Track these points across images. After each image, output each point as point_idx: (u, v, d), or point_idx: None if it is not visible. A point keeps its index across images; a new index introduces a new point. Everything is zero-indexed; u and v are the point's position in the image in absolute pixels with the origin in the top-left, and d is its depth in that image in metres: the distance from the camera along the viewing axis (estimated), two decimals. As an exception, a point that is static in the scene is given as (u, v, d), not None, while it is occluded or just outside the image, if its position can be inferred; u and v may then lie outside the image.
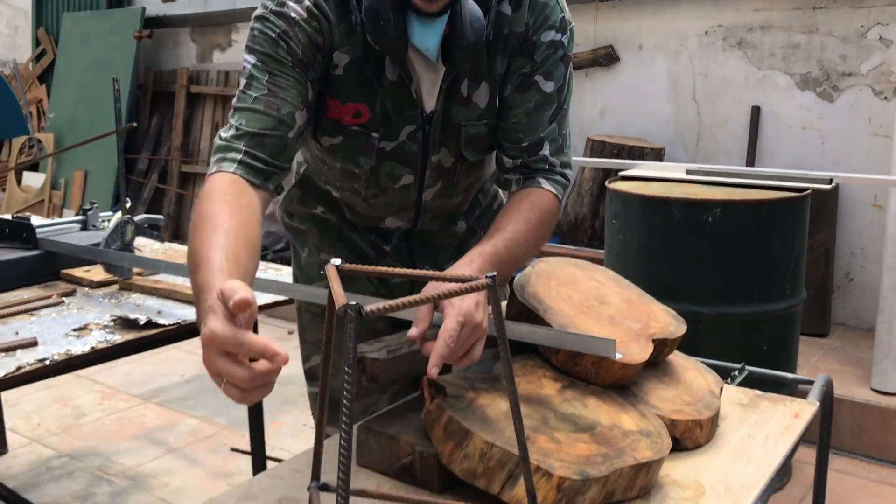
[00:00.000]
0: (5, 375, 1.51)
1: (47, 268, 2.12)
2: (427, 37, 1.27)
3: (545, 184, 1.42)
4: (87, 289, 2.06)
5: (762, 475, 1.37)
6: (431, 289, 1.22)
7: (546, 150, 1.42)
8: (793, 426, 1.56)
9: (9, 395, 2.97)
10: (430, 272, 1.01)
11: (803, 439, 2.95)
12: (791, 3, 3.76)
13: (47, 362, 1.57)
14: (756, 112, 3.89)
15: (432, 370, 1.10)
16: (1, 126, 2.22)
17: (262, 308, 1.92)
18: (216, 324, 0.84)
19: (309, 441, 1.61)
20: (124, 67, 5.71)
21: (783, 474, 2.74)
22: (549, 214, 1.41)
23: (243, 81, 1.29)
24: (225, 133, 1.26)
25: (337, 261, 0.86)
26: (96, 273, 2.12)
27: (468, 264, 1.29)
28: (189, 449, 3.09)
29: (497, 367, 1.43)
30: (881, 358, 3.07)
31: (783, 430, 1.55)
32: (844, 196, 3.72)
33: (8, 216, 2.24)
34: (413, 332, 1.07)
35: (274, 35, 1.27)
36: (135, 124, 2.68)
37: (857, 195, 3.70)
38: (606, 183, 2.94)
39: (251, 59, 1.28)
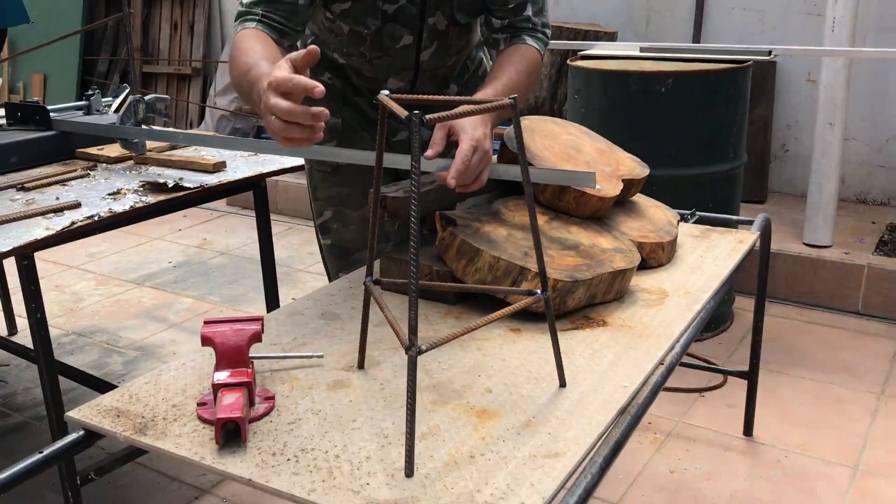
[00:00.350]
0: (63, 229, 1.72)
1: (63, 147, 2.30)
2: None
3: (529, 40, 1.67)
4: (105, 164, 2.25)
5: (713, 282, 1.68)
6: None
7: (529, 11, 1.66)
8: (738, 248, 1.88)
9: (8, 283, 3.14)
10: (459, 97, 1.26)
11: (743, 291, 3.43)
12: None
13: (96, 218, 1.79)
14: (702, -5, 4.12)
15: (451, 181, 1.32)
16: (3, 13, 2.33)
17: (272, 174, 2.14)
18: (278, 72, 1.11)
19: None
20: (76, -34, 5.64)
21: (727, 318, 3.12)
22: (535, 66, 1.66)
23: None
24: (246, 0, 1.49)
25: (386, 91, 1.10)
26: (111, 150, 2.30)
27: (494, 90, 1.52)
28: (188, 323, 3.34)
29: (496, 204, 1.70)
30: (812, 215, 3.43)
31: (730, 251, 1.86)
32: (781, 72, 4.01)
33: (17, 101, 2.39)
34: (429, 153, 1.30)
35: None
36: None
37: (792, 71, 4.00)
38: (568, 61, 3.18)
39: None
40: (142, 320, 3.38)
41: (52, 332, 3.25)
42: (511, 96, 1.08)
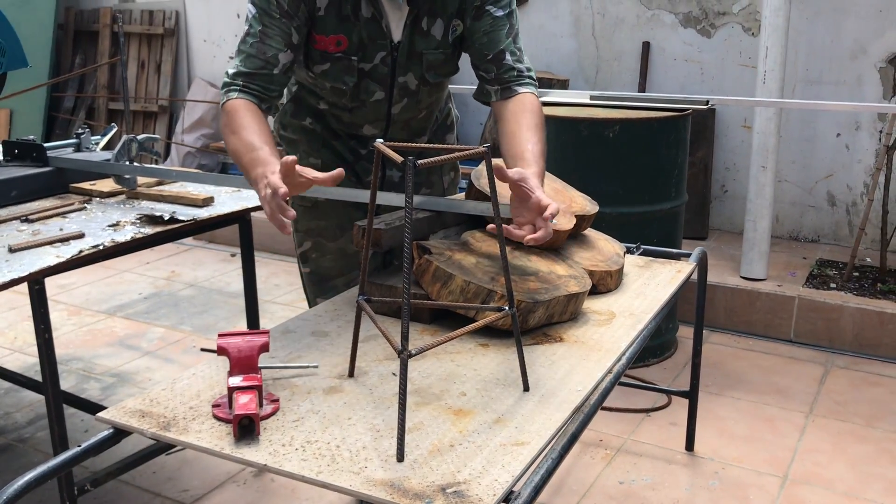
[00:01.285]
0: (72, 257, 1.89)
1: (58, 182, 2.46)
2: None
3: (521, 89, 1.81)
4: (98, 198, 2.42)
5: (655, 305, 1.92)
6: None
7: (509, 60, 1.80)
8: (676, 277, 2.12)
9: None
10: (439, 145, 1.48)
11: (687, 320, 3.70)
12: (675, -49, 4.30)
13: (101, 247, 1.96)
14: (646, 47, 4.44)
15: (529, 240, 1.45)
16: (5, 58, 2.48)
17: (257, 208, 2.33)
18: (274, 178, 1.39)
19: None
20: (45, 7, 5.78)
21: (672, 345, 3.37)
22: (539, 110, 1.79)
23: (246, 28, 1.73)
24: (231, 70, 1.73)
25: (380, 140, 1.32)
26: (103, 185, 2.47)
27: (532, 159, 1.65)
28: (161, 351, 3.48)
29: (464, 235, 1.92)
30: (748, 250, 3.72)
31: (669, 279, 2.11)
32: (720, 119, 4.35)
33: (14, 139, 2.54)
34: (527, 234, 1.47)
35: None
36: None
37: (730, 118, 4.33)
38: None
39: (252, 10, 1.72)
40: (116, 348, 3.50)
41: (28, 360, 3.37)
42: (485, 145, 1.30)
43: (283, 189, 1.35)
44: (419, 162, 1.20)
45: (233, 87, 1.71)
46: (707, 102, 3.31)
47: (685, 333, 3.48)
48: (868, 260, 3.92)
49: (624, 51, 4.52)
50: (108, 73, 5.94)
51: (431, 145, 1.40)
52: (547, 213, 1.43)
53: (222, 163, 5.38)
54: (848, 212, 4.19)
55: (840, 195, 4.19)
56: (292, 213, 1.38)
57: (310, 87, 1.99)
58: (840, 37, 4.02)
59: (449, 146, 1.40)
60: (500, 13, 1.79)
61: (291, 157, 1.39)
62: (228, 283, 4.27)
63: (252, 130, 1.61)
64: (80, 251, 1.91)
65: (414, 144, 1.32)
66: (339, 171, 1.39)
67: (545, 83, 4.36)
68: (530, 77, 1.84)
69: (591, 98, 3.52)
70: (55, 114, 5.93)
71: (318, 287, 2.16)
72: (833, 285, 3.63)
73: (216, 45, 5.80)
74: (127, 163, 2.39)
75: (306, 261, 2.15)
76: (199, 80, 5.75)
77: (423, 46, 1.81)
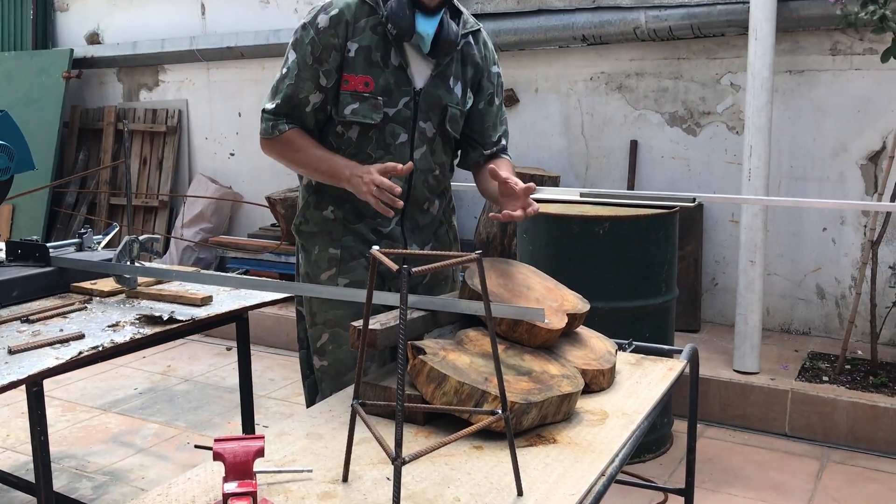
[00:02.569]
0: (71, 358, 1.92)
1: (60, 281, 2.50)
2: (427, 26, 1.96)
3: (505, 155, 2.25)
4: (99, 298, 2.46)
5: (647, 405, 1.94)
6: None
7: (504, 142, 2.24)
8: (668, 375, 2.15)
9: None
10: (434, 252, 1.53)
11: (682, 415, 3.70)
12: (660, 54, 4.48)
13: (100, 348, 1.99)
14: (634, 145, 4.58)
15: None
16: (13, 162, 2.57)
17: (255, 307, 2.37)
18: (374, 171, 1.88)
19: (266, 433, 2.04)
20: (52, 106, 5.95)
21: (667, 440, 3.36)
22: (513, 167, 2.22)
23: (284, 70, 2.03)
24: (270, 106, 2.05)
25: (376, 247, 1.37)
26: (103, 285, 2.51)
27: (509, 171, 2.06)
28: (156, 448, 3.45)
29: (458, 334, 1.95)
30: (740, 343, 3.76)
31: (661, 378, 2.13)
32: (708, 214, 4.45)
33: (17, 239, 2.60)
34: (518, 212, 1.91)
35: (306, 41, 2.00)
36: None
37: (718, 213, 4.43)
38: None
39: (292, 55, 2.03)
40: (109, 445, 3.48)
41: (20, 458, 3.34)
42: (478, 252, 1.35)
43: (397, 189, 1.86)
44: (414, 269, 1.26)
45: (279, 121, 2.04)
46: (694, 200, 3.40)
47: (680, 427, 3.48)
48: (859, 353, 3.95)
49: (613, 148, 4.66)
50: (111, 168, 6.07)
51: (424, 252, 1.45)
52: (530, 188, 1.88)
53: (220, 256, 5.45)
54: (837, 304, 4.24)
55: (829, 288, 4.26)
56: (399, 203, 1.87)
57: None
58: (821, 135, 4.16)
59: (441, 253, 1.45)
60: (499, 101, 2.22)
61: (390, 164, 1.88)
62: (224, 377, 4.27)
63: (315, 146, 2.03)
64: (80, 352, 1.94)
65: (409, 251, 1.37)
66: (410, 164, 1.90)
67: (537, 179, 4.47)
68: (507, 150, 2.28)
69: (582, 195, 3.61)
70: (57, 208, 6.03)
71: (334, 381, 2.18)
72: (826, 378, 3.65)
73: (217, 142, 5.96)
74: (128, 263, 2.44)
75: (323, 354, 2.18)
76: (200, 176, 5.88)
77: (447, 100, 2.08)
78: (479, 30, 2.15)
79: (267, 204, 5.05)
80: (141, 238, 2.49)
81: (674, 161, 4.52)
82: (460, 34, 2.04)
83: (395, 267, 1.28)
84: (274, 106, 2.04)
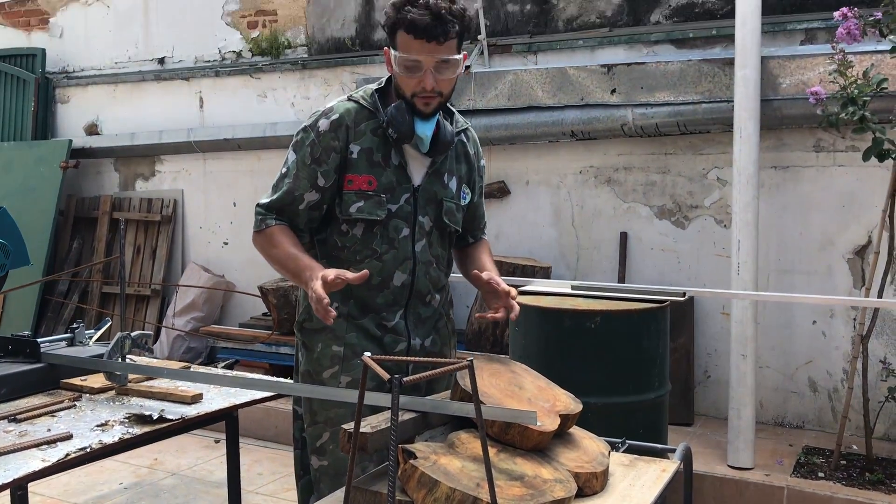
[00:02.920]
0: (58, 461, 1.89)
1: (50, 378, 2.48)
2: (425, 128, 2.06)
3: (483, 237, 2.44)
4: (89, 395, 2.44)
5: (639, 508, 1.91)
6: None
7: (484, 225, 2.45)
8: (661, 477, 2.13)
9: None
10: (427, 359, 1.55)
11: None
12: (647, 149, 4.59)
13: (88, 450, 1.96)
14: (624, 237, 4.65)
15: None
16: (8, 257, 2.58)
17: (245, 405, 2.36)
18: (318, 287, 1.87)
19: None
20: (49, 196, 6.02)
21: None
22: (489, 247, 2.45)
23: (284, 169, 2.13)
24: (264, 201, 2.13)
25: (368, 353, 1.38)
26: (94, 381, 2.49)
27: (492, 271, 2.22)
28: (139, 547, 3.36)
29: (450, 436, 1.94)
30: (734, 438, 3.73)
31: (654, 480, 2.11)
32: (699, 306, 4.48)
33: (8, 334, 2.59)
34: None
35: (307, 143, 2.10)
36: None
37: (708, 305, 4.46)
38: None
39: (292, 156, 2.12)
40: (91, 544, 3.39)
41: (-1, 557, 3.24)
42: (469, 359, 1.37)
43: (326, 300, 1.85)
44: (405, 379, 1.27)
45: (269, 217, 2.12)
46: (684, 294, 3.43)
47: (676, 526, 3.41)
48: (854, 447, 3.92)
49: (603, 240, 4.72)
50: (104, 256, 6.09)
51: (416, 359, 1.46)
52: (513, 293, 2.06)
53: (211, 346, 5.42)
54: (830, 398, 4.23)
55: (821, 381, 4.25)
56: (334, 313, 1.88)
57: (337, 258, 2.15)
58: (808, 229, 4.23)
59: (435, 360, 1.46)
60: (482, 199, 2.40)
61: (331, 275, 1.88)
62: (211, 471, 4.19)
63: (291, 244, 2.08)
64: (67, 454, 1.92)
65: (400, 358, 1.39)
66: (365, 272, 1.91)
67: (528, 270, 4.52)
68: (485, 232, 2.48)
69: (573, 288, 3.64)
70: (49, 297, 6.03)
71: (333, 481, 2.14)
72: (821, 474, 3.61)
73: (212, 231, 6.01)
74: (119, 359, 2.43)
75: (323, 453, 2.15)
76: (193, 265, 5.91)
77: (443, 195, 2.18)
78: (467, 128, 2.28)
79: (259, 294, 5.06)
80: (133, 334, 2.49)
81: (663, 253, 4.57)
82: (454, 133, 2.16)
83: (386, 376, 1.29)
84: (268, 201, 2.13)
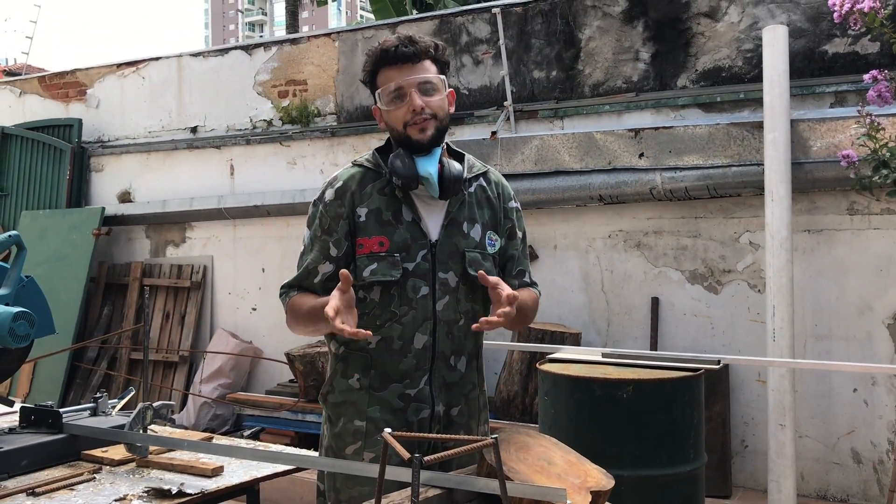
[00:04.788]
0: (74, 537, 1.84)
1: (71, 449, 2.45)
2: (428, 165, 1.99)
3: (535, 289, 2.24)
4: (108, 467, 2.40)
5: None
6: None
7: (527, 278, 2.23)
8: (698, 557, 2.02)
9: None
10: (449, 436, 1.49)
11: None
12: (677, 213, 4.54)
13: (105, 526, 1.91)
14: (655, 302, 4.57)
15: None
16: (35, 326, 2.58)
17: (267, 478, 2.30)
18: (328, 306, 1.79)
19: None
20: (81, 262, 6.09)
21: None
22: (536, 302, 2.24)
23: (303, 247, 2.12)
24: (285, 283, 2.12)
25: (388, 430, 1.33)
26: (114, 453, 2.45)
27: (516, 288, 2.10)
28: None
29: (475, 515, 1.86)
30: (774, 513, 3.58)
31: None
32: (734, 373, 4.35)
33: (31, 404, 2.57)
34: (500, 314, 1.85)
35: (317, 216, 2.09)
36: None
37: (744, 372, 4.34)
38: (537, 365, 3.48)
39: (306, 232, 2.12)
40: None
41: None
42: (493, 436, 1.31)
43: (338, 320, 1.79)
44: (426, 459, 1.21)
45: (290, 292, 2.10)
46: (718, 362, 3.33)
47: None
48: (903, 522, 3.74)
49: (634, 305, 4.64)
50: (134, 323, 6.12)
51: (438, 436, 1.41)
52: (511, 298, 1.86)
53: (237, 414, 5.37)
54: (875, 470, 4.06)
55: (865, 452, 4.09)
56: (350, 329, 1.80)
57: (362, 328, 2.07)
58: (845, 294, 4.12)
59: (458, 437, 1.41)
60: (520, 235, 2.21)
61: (344, 275, 1.82)
62: (234, 543, 4.09)
63: (312, 299, 2.04)
64: (84, 531, 1.87)
65: (421, 435, 1.33)
66: (369, 332, 1.82)
67: (558, 337, 4.44)
68: (539, 291, 2.28)
69: (603, 356, 3.56)
70: (77, 363, 6.04)
71: None
72: (869, 552, 3.44)
73: (240, 297, 6.02)
74: (140, 430, 2.39)
75: None
76: (221, 331, 5.90)
77: (464, 245, 2.07)
78: (487, 171, 2.17)
79: (286, 360, 5.03)
80: (155, 405, 2.46)
81: (696, 319, 4.48)
82: (469, 177, 2.09)
83: (406, 455, 1.24)
84: (290, 280, 2.12)
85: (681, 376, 3.20)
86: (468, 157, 2.16)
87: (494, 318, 1.82)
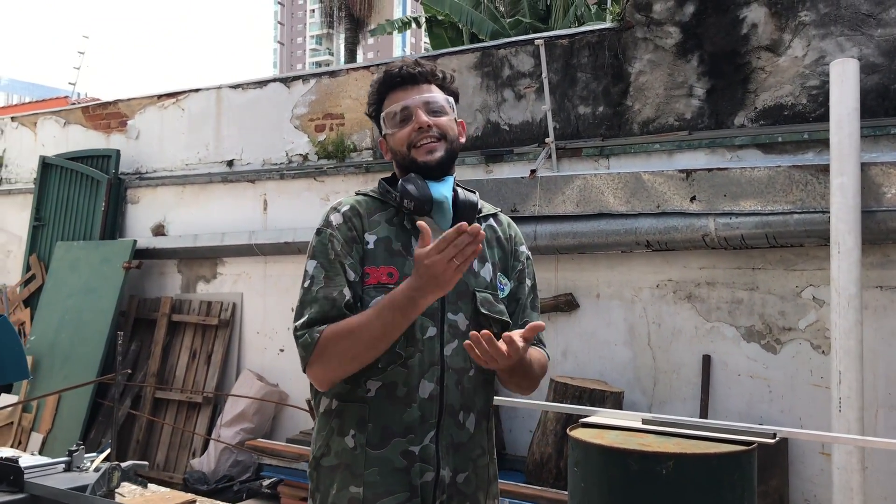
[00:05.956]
0: None
1: (30, 511, 2.19)
2: (443, 189, 1.83)
3: (544, 350, 2.04)
4: (66, 536, 2.12)
5: None
6: None
7: (540, 335, 2.01)
8: None
9: None
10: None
11: None
12: (732, 263, 4.15)
13: None
14: (707, 360, 4.15)
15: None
16: (3, 369, 2.37)
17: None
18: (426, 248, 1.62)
19: None
20: (110, 295, 5.94)
21: None
22: (545, 364, 2.02)
23: (306, 282, 1.80)
24: (300, 322, 1.77)
25: None
26: (77, 519, 2.18)
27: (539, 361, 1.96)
28: None
29: None
30: None
31: None
32: (794, 443, 3.90)
33: (-5, 459, 2.33)
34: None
35: (325, 242, 1.82)
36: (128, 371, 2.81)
37: (805, 443, 3.88)
38: (568, 430, 3.10)
39: (311, 264, 1.82)
40: None
41: None
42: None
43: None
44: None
45: (314, 330, 1.75)
46: (774, 436, 2.92)
47: None
48: None
49: (683, 363, 4.24)
50: (160, 360, 5.93)
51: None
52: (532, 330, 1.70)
53: (258, 462, 5.09)
54: (958, 562, 3.56)
55: (946, 540, 3.59)
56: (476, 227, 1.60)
57: (360, 372, 1.80)
58: (922, 359, 3.67)
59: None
60: (530, 283, 2.01)
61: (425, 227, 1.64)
62: None
63: (359, 317, 1.73)
64: None
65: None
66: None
67: (597, 395, 4.06)
68: (547, 355, 2.06)
69: (644, 422, 3.17)
70: (101, 400, 5.86)
71: None
72: None
73: (268, 336, 5.78)
74: (106, 493, 2.12)
75: None
76: (248, 371, 5.67)
77: (475, 285, 1.88)
78: (498, 213, 2.04)
79: (307, 408, 4.74)
80: (124, 465, 2.19)
81: (752, 380, 4.05)
82: (480, 216, 1.95)
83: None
84: (306, 319, 1.76)
85: (730, 451, 2.79)
86: (477, 197, 1.96)
87: (500, 344, 1.65)
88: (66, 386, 5.84)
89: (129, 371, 5.67)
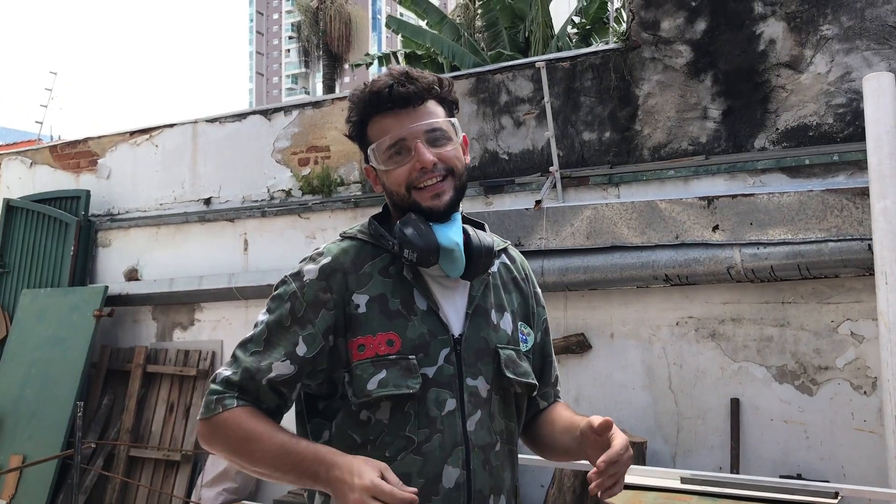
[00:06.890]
0: None
1: None
2: (451, 233, 1.51)
3: (560, 399, 1.76)
4: None
5: None
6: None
7: (560, 388, 1.77)
8: None
9: None
10: None
11: None
12: (760, 298, 3.81)
13: None
14: (735, 404, 3.80)
15: (601, 464, 1.37)
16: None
17: None
18: (374, 478, 1.30)
19: None
20: (80, 346, 5.51)
21: None
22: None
23: (253, 332, 1.51)
24: (223, 376, 1.48)
25: None
26: None
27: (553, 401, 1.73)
28: None
29: None
30: None
31: None
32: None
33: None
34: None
35: (286, 298, 1.50)
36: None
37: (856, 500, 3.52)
38: (599, 496, 2.73)
39: (264, 315, 1.52)
40: None
41: None
42: None
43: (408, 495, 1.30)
44: None
45: (227, 395, 1.46)
46: (836, 495, 2.57)
47: None
48: None
49: (709, 407, 3.88)
50: (135, 415, 5.48)
51: None
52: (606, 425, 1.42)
53: (242, 525, 4.65)
54: None
55: None
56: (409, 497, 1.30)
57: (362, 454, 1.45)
58: (977, 398, 3.32)
59: None
60: (549, 336, 1.75)
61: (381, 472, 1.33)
62: None
63: (274, 428, 1.44)
64: None
65: None
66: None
67: (618, 446, 3.68)
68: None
69: (683, 480, 2.81)
70: (70, 461, 5.39)
71: None
72: None
73: (251, 387, 5.36)
74: None
75: None
76: (230, 426, 5.24)
77: (495, 341, 1.58)
78: (507, 247, 1.72)
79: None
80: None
81: (786, 425, 3.70)
82: (492, 243, 1.61)
83: None
84: (226, 375, 1.49)
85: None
86: (488, 230, 1.67)
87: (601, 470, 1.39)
88: (31, 445, 5.38)
89: (93, 445, 5.23)
